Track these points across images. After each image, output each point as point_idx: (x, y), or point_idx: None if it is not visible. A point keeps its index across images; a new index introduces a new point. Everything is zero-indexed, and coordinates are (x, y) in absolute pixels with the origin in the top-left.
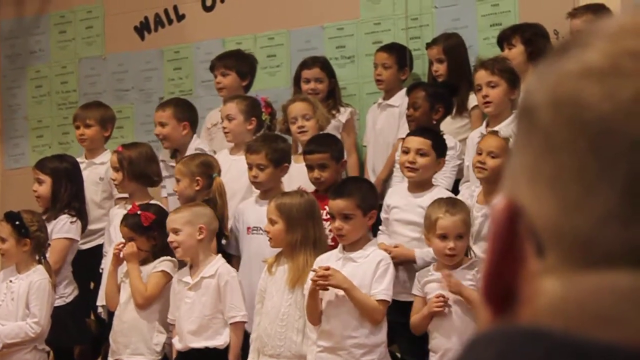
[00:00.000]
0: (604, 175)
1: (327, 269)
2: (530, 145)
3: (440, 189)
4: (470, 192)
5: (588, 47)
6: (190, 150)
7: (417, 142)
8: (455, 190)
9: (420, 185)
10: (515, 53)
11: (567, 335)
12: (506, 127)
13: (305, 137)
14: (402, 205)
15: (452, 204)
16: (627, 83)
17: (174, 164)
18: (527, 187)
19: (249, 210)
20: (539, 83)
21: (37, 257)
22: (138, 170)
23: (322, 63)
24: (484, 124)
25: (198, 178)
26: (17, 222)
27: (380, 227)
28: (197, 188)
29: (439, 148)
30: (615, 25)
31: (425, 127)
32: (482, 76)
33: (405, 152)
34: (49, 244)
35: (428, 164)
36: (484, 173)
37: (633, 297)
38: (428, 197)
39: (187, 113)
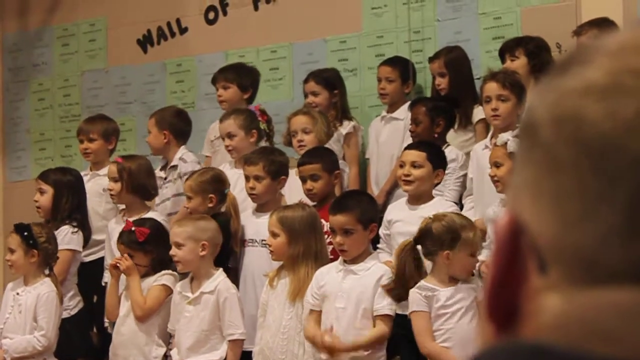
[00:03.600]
0: (605, 192)
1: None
2: (532, 162)
3: (441, 200)
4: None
5: (589, 64)
6: (175, 160)
7: (411, 155)
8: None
9: (419, 197)
10: (518, 65)
11: (569, 351)
12: (504, 134)
13: (304, 151)
14: (403, 218)
15: (467, 219)
16: (628, 101)
17: (162, 175)
18: (530, 203)
19: (245, 222)
20: (540, 100)
21: (45, 270)
22: (137, 182)
23: (317, 76)
24: (489, 136)
25: (211, 195)
26: (25, 233)
27: (379, 245)
28: (211, 205)
29: (436, 160)
30: (616, 42)
31: (421, 140)
32: (492, 88)
33: (401, 166)
34: (58, 257)
35: (423, 176)
36: (499, 185)
37: (635, 313)
38: (429, 208)
39: (169, 121)
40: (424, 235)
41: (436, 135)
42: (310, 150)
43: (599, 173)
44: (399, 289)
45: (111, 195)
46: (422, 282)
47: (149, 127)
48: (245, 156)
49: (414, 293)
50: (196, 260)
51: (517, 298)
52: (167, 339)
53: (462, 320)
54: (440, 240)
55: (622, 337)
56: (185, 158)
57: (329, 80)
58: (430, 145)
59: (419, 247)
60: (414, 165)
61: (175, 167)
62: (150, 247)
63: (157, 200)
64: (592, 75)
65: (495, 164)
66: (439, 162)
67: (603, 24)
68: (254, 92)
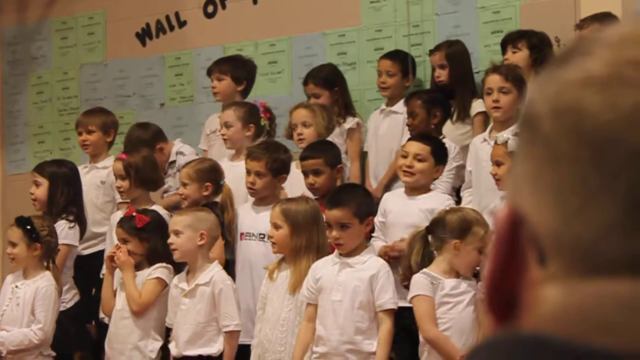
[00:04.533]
0: (605, 184)
1: None
2: (532, 154)
3: (437, 193)
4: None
5: (589, 56)
6: (172, 155)
7: (416, 147)
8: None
9: (417, 189)
10: (520, 57)
11: (569, 342)
12: (504, 133)
13: (303, 145)
14: (400, 208)
15: (482, 216)
16: (628, 92)
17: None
18: (530, 195)
19: (243, 216)
20: (540, 92)
21: (45, 263)
22: (145, 176)
23: (315, 78)
24: (488, 130)
25: (208, 184)
26: (28, 227)
27: (373, 234)
28: (206, 193)
29: (439, 155)
30: (616, 34)
31: (426, 134)
32: (495, 80)
33: (404, 156)
34: (59, 249)
35: (425, 169)
36: (500, 184)
37: (634, 304)
38: (425, 200)
39: (150, 137)
40: (436, 224)
41: (433, 127)
42: (313, 144)
43: (599, 165)
44: (405, 276)
45: (120, 192)
46: (425, 270)
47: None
48: (250, 150)
49: (419, 277)
50: (194, 249)
51: (517, 289)
52: (164, 332)
53: (466, 310)
54: (452, 229)
55: (621, 329)
56: (183, 151)
57: (328, 79)
58: (434, 140)
59: (429, 237)
60: (417, 157)
61: (174, 162)
62: (147, 235)
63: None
64: (592, 66)
65: (497, 163)
66: (441, 157)
67: (605, 18)
68: (249, 84)
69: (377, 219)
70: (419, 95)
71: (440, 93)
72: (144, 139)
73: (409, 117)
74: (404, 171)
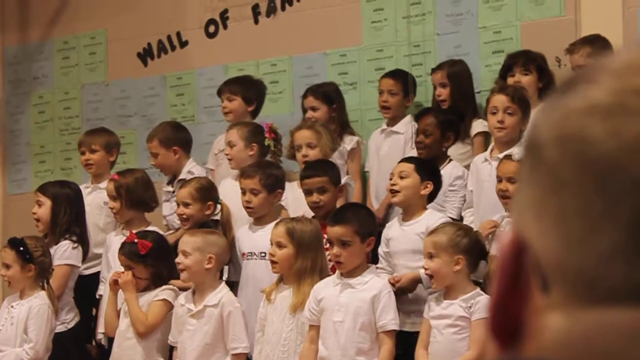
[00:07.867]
0: (608, 213)
1: None
2: (536, 181)
3: (431, 212)
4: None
5: (593, 84)
6: (183, 173)
7: (400, 166)
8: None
9: (410, 212)
10: (530, 80)
11: None
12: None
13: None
14: (398, 236)
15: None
16: (632, 121)
17: (169, 189)
18: (533, 222)
19: (243, 236)
20: (544, 119)
21: (40, 283)
22: (136, 197)
23: (315, 92)
24: (489, 149)
25: (210, 203)
26: (21, 248)
27: (378, 265)
28: (209, 212)
29: (424, 171)
30: (620, 62)
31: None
32: (500, 100)
33: (390, 178)
34: (53, 269)
35: (408, 185)
36: (509, 201)
37: (635, 334)
38: (421, 222)
39: (174, 137)
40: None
41: (444, 149)
42: (313, 163)
43: (602, 193)
44: None
45: (113, 214)
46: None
47: (152, 149)
48: (242, 169)
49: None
50: (201, 271)
51: (521, 316)
52: (167, 353)
53: (443, 334)
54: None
55: (623, 358)
56: (193, 171)
57: (327, 94)
58: (418, 158)
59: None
60: (400, 175)
61: (183, 180)
62: (151, 260)
63: (165, 211)
64: (596, 94)
65: (509, 180)
66: (427, 173)
67: (596, 41)
68: (259, 104)
69: (381, 249)
70: (434, 114)
71: (453, 116)
72: (177, 136)
73: (420, 134)
74: (390, 191)
